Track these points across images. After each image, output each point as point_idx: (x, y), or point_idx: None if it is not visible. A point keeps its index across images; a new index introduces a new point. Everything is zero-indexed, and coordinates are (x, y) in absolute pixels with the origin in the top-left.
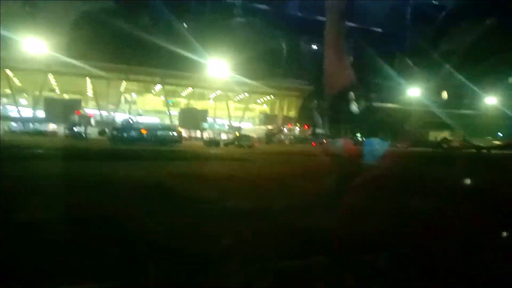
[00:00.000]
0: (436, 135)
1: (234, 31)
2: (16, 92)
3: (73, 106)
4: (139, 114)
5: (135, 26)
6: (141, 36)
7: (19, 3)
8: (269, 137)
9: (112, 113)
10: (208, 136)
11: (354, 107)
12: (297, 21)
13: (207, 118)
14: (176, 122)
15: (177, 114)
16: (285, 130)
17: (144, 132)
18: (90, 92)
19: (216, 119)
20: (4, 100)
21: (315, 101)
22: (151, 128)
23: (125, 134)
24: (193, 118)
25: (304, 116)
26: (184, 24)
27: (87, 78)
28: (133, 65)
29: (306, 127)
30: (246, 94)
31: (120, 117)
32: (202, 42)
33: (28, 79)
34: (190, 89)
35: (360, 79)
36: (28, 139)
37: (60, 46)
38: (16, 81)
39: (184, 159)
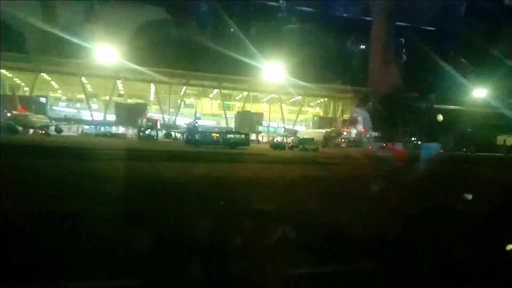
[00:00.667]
0: (506, 139)
1: (286, 35)
2: (89, 97)
3: (140, 110)
4: (198, 118)
5: (194, 33)
6: (201, 42)
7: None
8: (327, 140)
9: (173, 116)
10: (267, 139)
11: (406, 109)
12: (346, 22)
13: (262, 120)
14: (231, 125)
15: (233, 117)
16: (344, 133)
17: (215, 135)
18: (152, 97)
19: (270, 121)
20: (78, 105)
21: (369, 104)
22: (222, 131)
23: (197, 137)
24: (248, 121)
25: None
26: (232, 28)
27: (151, 84)
28: (193, 70)
29: (363, 130)
30: (299, 97)
31: (181, 121)
32: (257, 47)
33: (99, 85)
34: (245, 93)
35: (414, 79)
36: (106, 141)
37: (127, 54)
38: (89, 87)
39: (270, 162)
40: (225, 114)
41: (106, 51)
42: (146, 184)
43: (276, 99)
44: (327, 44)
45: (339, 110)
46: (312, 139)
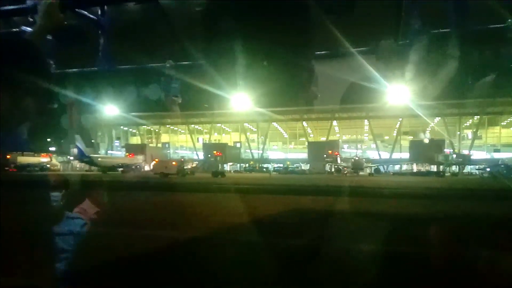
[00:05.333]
0: None
1: None
2: (376, 137)
3: (438, 146)
4: (496, 150)
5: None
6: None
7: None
8: None
9: (464, 150)
10: None
11: None
12: None
13: None
14: None
15: None
16: None
17: None
18: (427, 132)
19: None
20: (364, 146)
21: None
22: None
23: None
24: None
25: None
26: None
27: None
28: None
29: None
30: None
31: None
32: None
33: (377, 126)
34: None
35: None
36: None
37: (413, 91)
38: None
39: None
40: None
41: (393, 92)
42: None
43: None
44: None
45: None
46: None
